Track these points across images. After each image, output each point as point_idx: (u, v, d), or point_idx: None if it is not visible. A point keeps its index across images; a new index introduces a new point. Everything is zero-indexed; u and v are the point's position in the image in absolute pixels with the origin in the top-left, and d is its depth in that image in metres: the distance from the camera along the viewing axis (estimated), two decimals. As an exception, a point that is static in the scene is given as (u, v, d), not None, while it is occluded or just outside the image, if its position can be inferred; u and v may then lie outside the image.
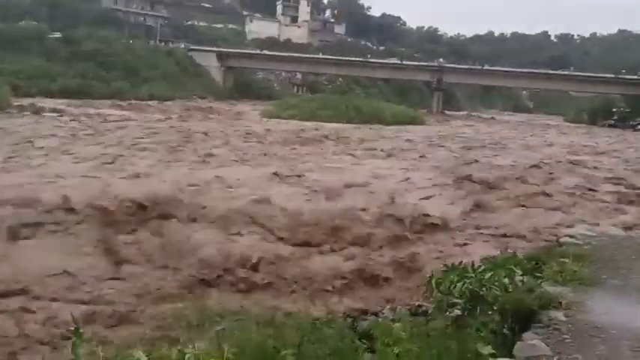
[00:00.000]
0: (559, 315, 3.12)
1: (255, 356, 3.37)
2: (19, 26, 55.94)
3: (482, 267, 3.71)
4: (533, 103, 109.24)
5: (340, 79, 78.27)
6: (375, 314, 5.65)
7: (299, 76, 78.64)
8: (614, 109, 65.70)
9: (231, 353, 2.97)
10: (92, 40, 56.41)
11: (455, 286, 3.78)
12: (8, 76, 42.59)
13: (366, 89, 76.76)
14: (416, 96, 76.78)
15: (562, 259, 4.10)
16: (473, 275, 3.67)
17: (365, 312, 5.71)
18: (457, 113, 68.63)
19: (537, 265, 4.06)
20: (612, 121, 62.41)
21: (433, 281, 3.97)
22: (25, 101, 34.69)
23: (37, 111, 31.52)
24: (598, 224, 7.98)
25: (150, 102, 46.65)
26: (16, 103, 32.53)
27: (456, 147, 24.48)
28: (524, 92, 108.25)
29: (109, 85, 50.15)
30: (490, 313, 3.52)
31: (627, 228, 8.58)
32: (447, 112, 66.40)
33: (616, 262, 4.29)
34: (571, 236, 5.00)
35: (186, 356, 2.96)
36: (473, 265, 3.78)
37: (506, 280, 3.60)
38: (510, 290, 3.55)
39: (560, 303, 3.27)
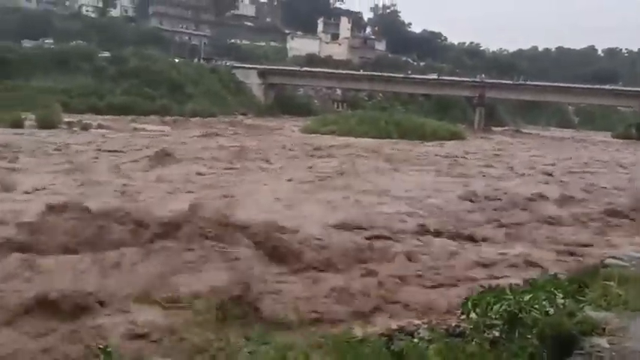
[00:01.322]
0: (602, 342, 2.97)
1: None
2: (70, 46, 58.29)
3: (521, 289, 3.58)
4: (579, 119, 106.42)
5: (380, 95, 78.32)
6: (411, 334, 5.52)
7: (339, 92, 79.05)
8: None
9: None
10: (138, 58, 58.19)
11: (492, 308, 3.66)
12: (60, 94, 44.38)
13: (406, 105, 76.49)
14: (457, 112, 75.99)
15: (606, 282, 3.92)
16: (511, 297, 3.54)
17: (401, 330, 5.58)
18: (499, 129, 67.42)
19: (580, 288, 3.89)
20: (662, 136, 60.27)
21: (469, 302, 3.86)
22: (75, 117, 35.97)
23: (85, 127, 32.68)
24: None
25: (193, 118, 47.69)
26: (66, 119, 33.75)
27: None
28: (569, 107, 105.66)
29: (154, 101, 51.53)
30: (529, 337, 3.38)
31: None
32: (492, 128, 65.29)
33: (665, 285, 4.08)
34: (616, 257, 4.78)
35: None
36: (511, 286, 3.66)
37: (545, 303, 3.47)
38: (550, 314, 3.42)
39: (604, 329, 3.11)
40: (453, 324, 5.41)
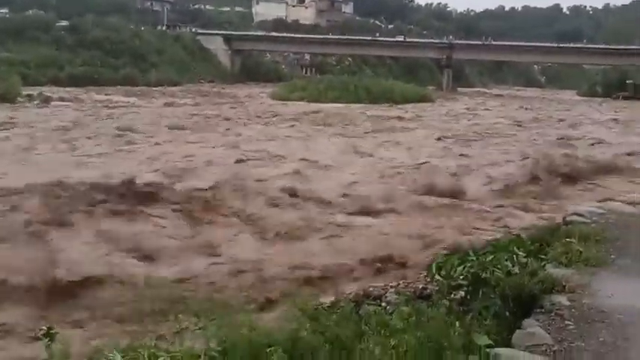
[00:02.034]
0: (562, 299, 2.98)
1: (242, 353, 3.25)
2: (26, 15, 55.95)
3: (485, 250, 3.58)
4: (545, 78, 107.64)
5: (349, 59, 77.55)
6: (379, 298, 5.54)
7: (307, 57, 77.99)
8: (628, 81, 64.53)
9: (215, 351, 2.88)
10: (99, 27, 56.26)
11: (456, 270, 3.67)
12: (17, 65, 42.77)
13: (375, 69, 76.06)
14: (426, 74, 75.98)
15: (568, 240, 3.94)
16: (474, 259, 3.54)
17: (368, 295, 5.60)
18: (467, 90, 67.77)
19: (542, 246, 3.92)
20: (626, 93, 61.34)
21: (434, 265, 3.86)
22: (35, 90, 34.81)
23: (46, 100, 31.65)
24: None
25: (157, 87, 46.75)
26: (25, 93, 32.61)
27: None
28: (535, 67, 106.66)
29: (117, 72, 50.14)
30: (492, 296, 3.40)
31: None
32: (459, 89, 65.59)
33: (625, 240, 4.12)
34: (579, 214, 4.82)
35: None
36: (474, 248, 3.66)
37: (508, 263, 3.48)
38: (513, 273, 3.43)
39: (564, 286, 3.13)
40: (420, 286, 5.44)
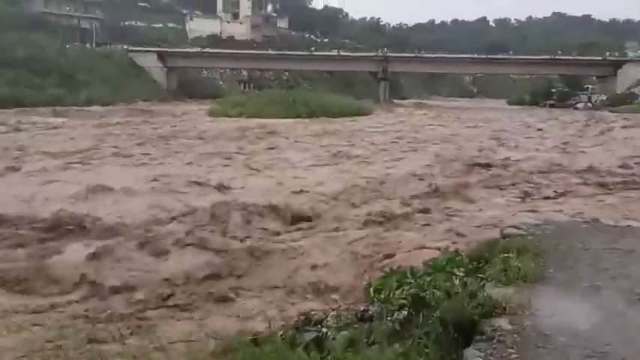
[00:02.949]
0: (503, 323, 2.84)
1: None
2: (-60, 34, 52.85)
3: (423, 271, 3.43)
4: (477, 88, 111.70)
5: (286, 73, 77.77)
6: (320, 322, 5.28)
7: (244, 73, 77.66)
8: (554, 90, 67.88)
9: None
10: (23, 45, 53.79)
11: (394, 293, 3.50)
12: None
13: (313, 82, 76.57)
14: (363, 87, 77.11)
15: (506, 255, 3.85)
16: (412, 281, 3.38)
17: (308, 321, 5.33)
18: (404, 102, 69.29)
19: (479, 264, 3.81)
20: (552, 101, 64.45)
21: (372, 288, 3.67)
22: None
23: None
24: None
25: (89, 108, 45.03)
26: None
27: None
28: (467, 78, 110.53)
29: (44, 92, 47.94)
30: (432, 320, 3.23)
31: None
32: (394, 100, 66.92)
33: (561, 252, 4.07)
34: (515, 227, 4.77)
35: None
36: (412, 269, 3.50)
37: (448, 284, 3.33)
38: (453, 294, 3.28)
39: (505, 308, 3.00)
40: (362, 308, 5.24)
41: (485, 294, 3.14)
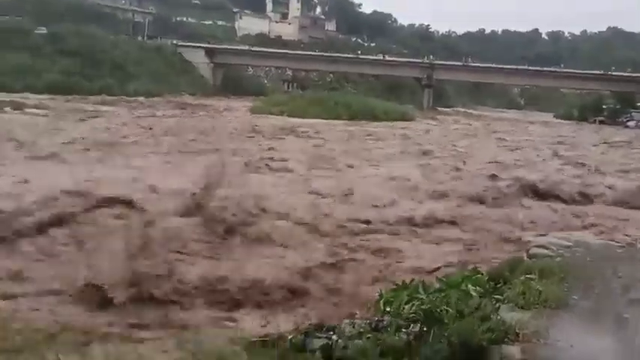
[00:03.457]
0: (514, 351, 2.64)
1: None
2: (2, 22, 54.90)
3: (435, 287, 3.25)
4: (524, 100, 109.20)
5: (331, 75, 77.76)
6: (332, 329, 5.16)
7: (289, 72, 78.06)
8: (604, 106, 65.66)
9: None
10: (78, 36, 55.48)
11: (404, 308, 3.33)
12: (-10, 72, 41.82)
13: (357, 85, 76.32)
14: (407, 93, 76.37)
15: (528, 276, 3.62)
16: (423, 296, 3.21)
17: (321, 327, 5.20)
18: (448, 110, 68.36)
19: (498, 284, 3.59)
20: (602, 118, 62.37)
21: (382, 300, 3.51)
22: (8, 97, 34.05)
23: (18, 107, 30.85)
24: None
25: (137, 98, 46.17)
26: (-2, 99, 31.80)
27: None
28: (515, 89, 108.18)
29: (95, 81, 49.34)
30: (442, 340, 3.05)
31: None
32: (438, 108, 66.09)
33: (589, 277, 3.81)
34: (543, 246, 4.51)
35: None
36: (424, 284, 3.32)
37: (461, 303, 3.14)
38: (465, 314, 3.09)
39: (518, 334, 2.79)
40: (376, 318, 5.07)
41: (498, 317, 2.94)
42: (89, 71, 50.88)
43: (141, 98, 46.54)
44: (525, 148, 25.23)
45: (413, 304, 3.26)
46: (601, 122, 60.06)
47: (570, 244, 4.71)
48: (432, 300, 3.18)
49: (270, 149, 19.06)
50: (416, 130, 32.51)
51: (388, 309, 3.50)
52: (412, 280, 3.57)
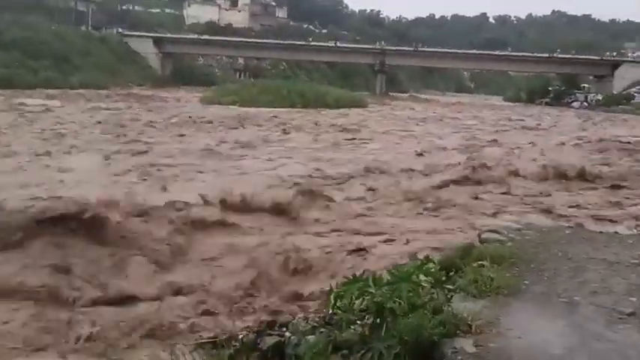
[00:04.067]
0: (467, 344, 2.55)
1: None
2: None
3: (386, 280, 3.13)
4: (474, 84, 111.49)
5: (283, 63, 77.23)
6: (285, 325, 5.00)
7: (241, 61, 77.07)
8: (550, 88, 67.61)
9: None
10: (17, 27, 53.07)
11: (355, 303, 3.20)
12: None
13: (311, 73, 76.11)
14: (360, 79, 76.70)
15: (480, 263, 3.55)
16: (373, 290, 3.08)
17: (273, 324, 5.03)
18: (400, 95, 68.98)
19: (450, 272, 3.52)
20: (548, 99, 64.23)
21: (332, 295, 3.37)
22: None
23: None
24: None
25: (81, 90, 44.58)
26: None
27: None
28: (465, 73, 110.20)
29: (37, 74, 47.36)
30: (395, 334, 2.94)
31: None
32: (391, 93, 66.65)
33: (540, 261, 3.77)
34: (494, 231, 4.47)
35: None
36: (374, 277, 3.20)
37: (412, 294, 3.04)
38: (417, 306, 2.99)
39: (470, 326, 2.71)
40: (330, 311, 4.95)
41: (450, 309, 2.85)
42: (31, 64, 48.81)
43: (86, 90, 44.94)
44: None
45: (364, 299, 3.13)
46: (547, 104, 61.84)
47: (521, 226, 4.69)
48: (383, 293, 3.06)
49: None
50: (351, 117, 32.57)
51: (339, 304, 3.36)
52: (362, 273, 3.44)
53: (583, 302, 3.13)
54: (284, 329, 4.98)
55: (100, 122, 22.10)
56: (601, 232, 4.97)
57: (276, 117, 29.03)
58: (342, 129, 24.48)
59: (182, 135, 19.35)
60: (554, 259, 3.80)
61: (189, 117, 26.66)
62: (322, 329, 4.30)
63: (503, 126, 30.94)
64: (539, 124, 33.53)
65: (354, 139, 20.57)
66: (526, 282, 3.36)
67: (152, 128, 21.17)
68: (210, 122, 24.64)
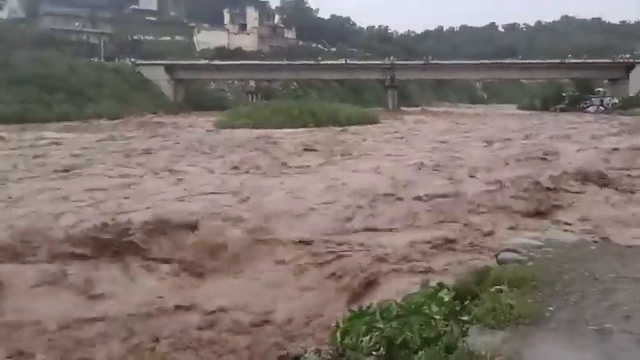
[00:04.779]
0: (485, 385, 2.28)
1: None
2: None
3: (395, 314, 2.86)
4: (487, 94, 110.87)
5: (294, 83, 77.53)
6: (296, 358, 4.77)
7: (252, 84, 77.57)
8: (564, 94, 66.89)
9: None
10: (32, 63, 53.99)
11: (362, 340, 2.93)
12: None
13: (321, 92, 76.25)
14: (372, 95, 76.66)
15: (498, 287, 3.26)
16: (381, 325, 2.82)
17: (286, 357, 4.80)
18: (412, 109, 68.70)
19: (464, 301, 3.23)
20: (563, 106, 63.48)
21: (338, 332, 3.10)
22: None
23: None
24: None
25: (97, 121, 45.14)
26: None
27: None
28: (477, 83, 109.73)
29: (52, 108, 48.02)
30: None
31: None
32: (403, 108, 66.42)
33: (565, 282, 3.46)
34: (512, 250, 4.16)
35: None
36: (382, 311, 2.93)
37: (425, 327, 2.77)
38: (430, 340, 2.72)
39: (488, 363, 2.43)
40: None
41: (465, 345, 2.56)
42: (45, 98, 49.56)
43: (100, 121, 45.44)
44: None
45: (371, 336, 2.86)
46: (562, 110, 61.04)
47: (541, 243, 4.38)
48: (393, 328, 2.79)
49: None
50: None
51: (346, 340, 3.09)
52: (369, 306, 3.17)
53: (615, 329, 2.82)
54: (296, 361, 4.73)
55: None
56: (629, 247, 4.63)
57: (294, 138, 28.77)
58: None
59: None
60: (580, 280, 3.49)
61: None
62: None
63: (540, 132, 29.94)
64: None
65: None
66: (550, 308, 3.06)
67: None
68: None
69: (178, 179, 13.79)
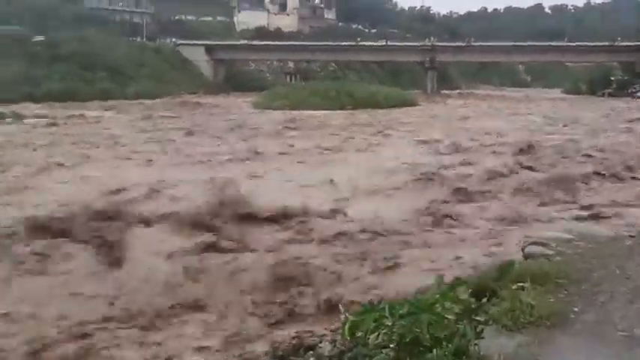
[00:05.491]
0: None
1: None
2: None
3: (406, 310, 2.69)
4: (530, 77, 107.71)
5: (333, 64, 76.94)
6: (311, 348, 4.67)
7: (291, 64, 77.29)
8: (613, 78, 64.37)
9: None
10: (75, 42, 55.10)
11: (370, 337, 2.78)
12: (-14, 83, 41.55)
13: (360, 73, 75.47)
14: (410, 77, 75.40)
15: (519, 284, 3.04)
16: (390, 323, 2.66)
17: (298, 347, 4.69)
18: (452, 92, 67.32)
19: (481, 299, 3.01)
20: (611, 90, 61.14)
21: (346, 326, 2.95)
22: (7, 108, 33.77)
23: (18, 116, 30.63)
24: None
25: (136, 100, 45.87)
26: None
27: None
28: (520, 66, 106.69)
29: (94, 86, 49.04)
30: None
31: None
32: (442, 91, 65.12)
33: (594, 281, 3.21)
34: (540, 243, 3.90)
35: None
36: (391, 307, 2.76)
37: (437, 327, 2.59)
38: (441, 339, 2.54)
39: (501, 371, 2.24)
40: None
41: (477, 349, 2.38)
42: (88, 76, 50.61)
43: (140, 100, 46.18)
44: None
45: (379, 333, 2.70)
46: (610, 94, 58.81)
47: (572, 237, 4.11)
48: (402, 326, 2.62)
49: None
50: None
51: (356, 335, 2.94)
52: (379, 301, 3.01)
53: (645, 335, 2.59)
54: (311, 352, 4.63)
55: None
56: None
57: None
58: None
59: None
60: (610, 278, 3.23)
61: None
62: (349, 354, 3.96)
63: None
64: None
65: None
66: (575, 309, 2.83)
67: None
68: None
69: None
